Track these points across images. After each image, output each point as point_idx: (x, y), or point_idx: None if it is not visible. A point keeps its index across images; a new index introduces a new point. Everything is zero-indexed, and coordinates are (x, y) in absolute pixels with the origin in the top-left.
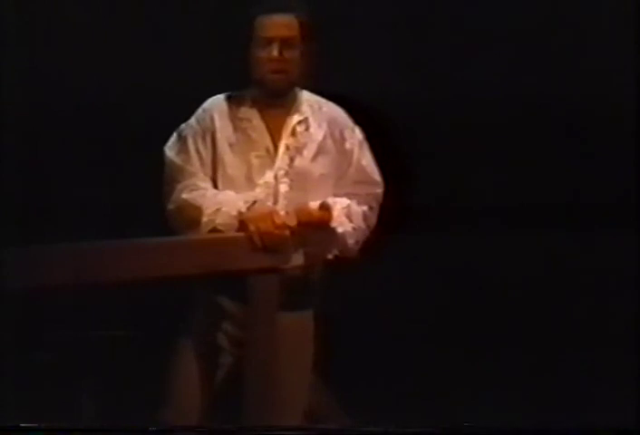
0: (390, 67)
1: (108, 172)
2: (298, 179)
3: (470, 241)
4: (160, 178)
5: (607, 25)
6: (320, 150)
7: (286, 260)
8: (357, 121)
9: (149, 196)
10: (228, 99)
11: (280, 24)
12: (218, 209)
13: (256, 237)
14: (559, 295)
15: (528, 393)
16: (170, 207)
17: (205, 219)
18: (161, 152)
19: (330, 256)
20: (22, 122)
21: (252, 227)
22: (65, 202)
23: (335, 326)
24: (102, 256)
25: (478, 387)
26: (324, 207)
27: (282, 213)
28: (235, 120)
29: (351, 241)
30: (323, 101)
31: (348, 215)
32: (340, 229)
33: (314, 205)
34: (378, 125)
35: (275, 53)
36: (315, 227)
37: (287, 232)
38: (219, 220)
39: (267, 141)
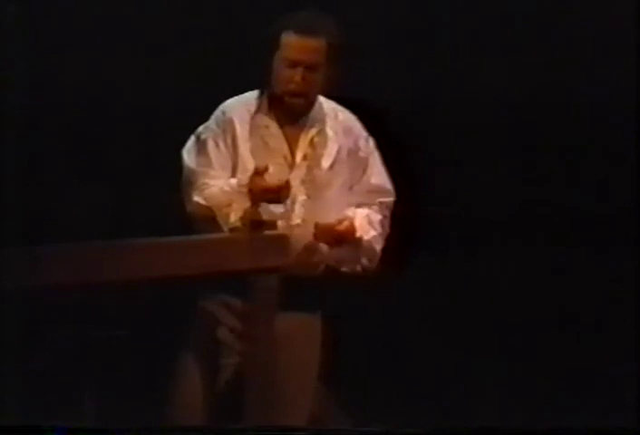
0: (401, 74)
1: (108, 172)
2: (316, 188)
3: (475, 246)
4: (161, 177)
5: (607, 25)
6: (336, 160)
7: (288, 261)
8: (368, 129)
9: (149, 196)
10: (246, 103)
11: (307, 49)
12: (229, 205)
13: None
14: (560, 296)
15: (529, 393)
16: (188, 209)
17: (220, 220)
18: (162, 152)
19: (359, 267)
20: (22, 122)
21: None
22: (65, 202)
23: (340, 328)
24: (102, 256)
25: (478, 387)
26: (346, 221)
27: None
28: (253, 125)
29: (378, 246)
30: (339, 108)
31: (370, 223)
32: (366, 237)
33: (334, 219)
34: (388, 133)
35: (297, 78)
36: (340, 240)
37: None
38: (234, 218)
39: (285, 150)
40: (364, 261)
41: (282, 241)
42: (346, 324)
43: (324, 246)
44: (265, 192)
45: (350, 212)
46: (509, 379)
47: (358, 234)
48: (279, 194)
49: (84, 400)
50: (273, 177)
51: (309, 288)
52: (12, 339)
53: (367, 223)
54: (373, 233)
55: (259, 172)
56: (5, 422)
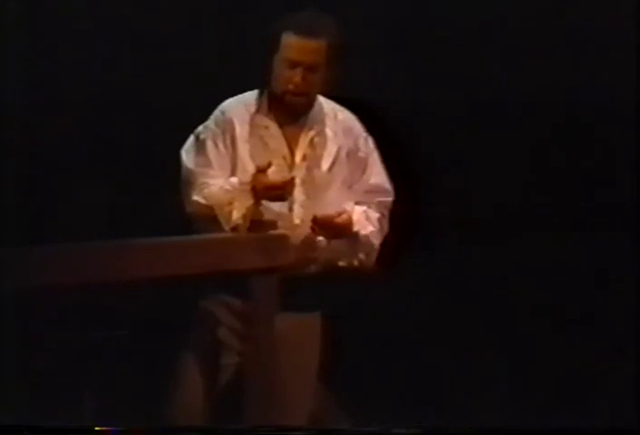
0: (401, 74)
1: (108, 172)
2: (315, 189)
3: (474, 246)
4: (161, 177)
5: (607, 25)
6: (336, 161)
7: (288, 261)
8: (368, 128)
9: (149, 196)
10: (245, 103)
11: (308, 50)
12: (230, 204)
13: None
14: (559, 296)
15: (528, 393)
16: (188, 209)
17: (222, 219)
18: (163, 152)
19: (356, 262)
20: (22, 122)
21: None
22: (65, 202)
23: (339, 327)
24: (102, 256)
25: (478, 387)
26: (344, 214)
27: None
28: (252, 125)
29: (376, 241)
30: (338, 107)
31: (367, 218)
32: (363, 231)
33: (331, 212)
34: (389, 132)
35: (298, 78)
36: (338, 233)
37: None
38: (236, 216)
39: (285, 150)
40: (362, 256)
41: (282, 241)
42: (346, 324)
43: (321, 241)
44: (269, 189)
45: (348, 207)
46: (509, 379)
47: (355, 228)
48: (284, 191)
49: (84, 400)
50: (275, 175)
51: (308, 288)
52: (12, 339)
53: (365, 218)
54: (370, 228)
55: (262, 170)
56: (5, 422)
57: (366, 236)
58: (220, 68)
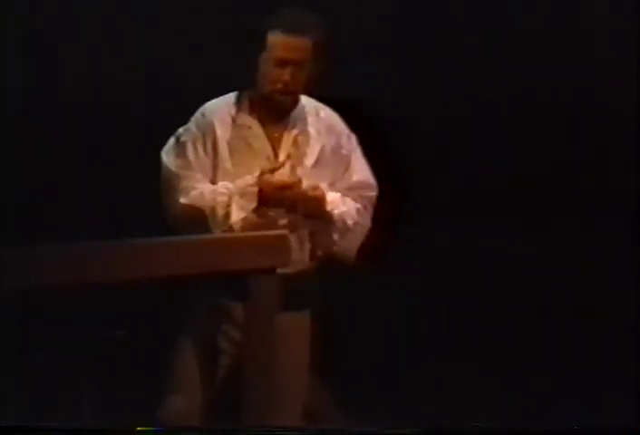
0: (385, 70)
1: (108, 172)
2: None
3: (467, 241)
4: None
5: (607, 25)
6: (320, 159)
7: (288, 261)
8: (353, 125)
9: (149, 196)
10: (227, 104)
11: (295, 47)
12: (228, 206)
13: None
14: (560, 295)
15: (529, 393)
16: (171, 212)
17: (215, 222)
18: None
19: (332, 243)
20: (22, 122)
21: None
22: (65, 202)
23: (333, 326)
24: (102, 256)
25: (478, 387)
26: (317, 190)
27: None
28: (234, 126)
29: (350, 222)
30: (320, 105)
31: (343, 202)
32: (337, 211)
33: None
34: (373, 128)
35: (287, 76)
36: (312, 210)
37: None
38: (235, 219)
39: (269, 150)
40: (336, 236)
41: (282, 241)
42: (339, 323)
43: (298, 218)
44: (278, 189)
45: (323, 186)
46: (508, 379)
47: (329, 207)
48: (293, 191)
49: (84, 400)
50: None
51: (299, 287)
52: (12, 339)
53: (341, 202)
54: (343, 208)
55: (265, 172)
56: (5, 422)
57: (340, 216)
58: (220, 68)
